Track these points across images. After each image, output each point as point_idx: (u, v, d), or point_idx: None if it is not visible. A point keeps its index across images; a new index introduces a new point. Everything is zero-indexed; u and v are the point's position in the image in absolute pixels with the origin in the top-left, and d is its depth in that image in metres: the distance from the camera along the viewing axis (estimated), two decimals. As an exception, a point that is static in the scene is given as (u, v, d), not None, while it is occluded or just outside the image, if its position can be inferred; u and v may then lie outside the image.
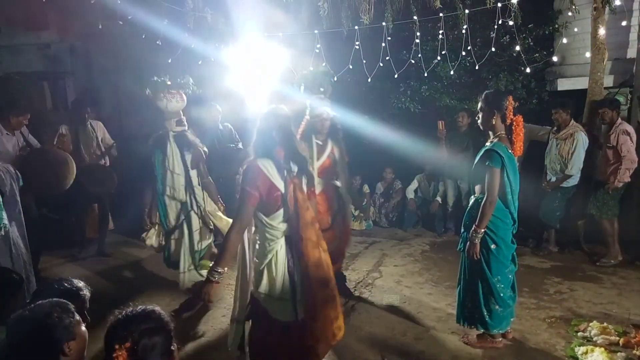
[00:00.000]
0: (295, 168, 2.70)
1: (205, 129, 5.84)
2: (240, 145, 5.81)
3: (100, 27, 4.83)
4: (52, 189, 4.64)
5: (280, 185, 2.60)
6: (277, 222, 2.64)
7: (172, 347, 1.64)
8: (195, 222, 4.33)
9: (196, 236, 4.32)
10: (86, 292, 2.32)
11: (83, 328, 1.86)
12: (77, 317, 1.85)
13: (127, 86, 6.40)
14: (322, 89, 4.39)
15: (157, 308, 1.71)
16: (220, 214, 4.45)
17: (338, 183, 4.22)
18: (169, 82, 4.22)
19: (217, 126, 5.85)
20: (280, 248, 2.66)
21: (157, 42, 5.17)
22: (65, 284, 2.30)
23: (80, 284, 2.36)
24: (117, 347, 1.55)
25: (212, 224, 4.42)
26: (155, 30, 5.15)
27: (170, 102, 4.22)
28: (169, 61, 5.72)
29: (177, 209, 4.31)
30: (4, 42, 9.56)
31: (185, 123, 4.36)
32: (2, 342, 2.01)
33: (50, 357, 1.75)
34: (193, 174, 4.30)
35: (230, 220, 2.96)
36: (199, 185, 4.33)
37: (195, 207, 4.32)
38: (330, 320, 2.72)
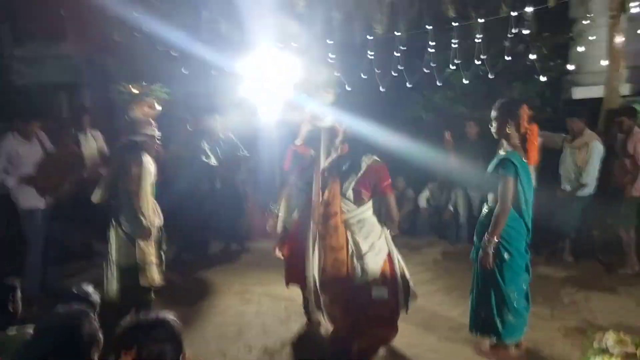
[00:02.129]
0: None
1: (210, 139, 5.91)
2: (246, 154, 5.86)
3: (116, 38, 4.92)
4: (54, 190, 4.72)
5: None
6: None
7: (181, 357, 1.63)
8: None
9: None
10: (96, 297, 2.36)
11: (100, 334, 1.89)
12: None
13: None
14: (326, 92, 4.27)
15: (169, 316, 1.71)
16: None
17: None
18: (135, 91, 4.12)
19: (217, 136, 5.92)
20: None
21: (172, 53, 5.25)
22: (75, 290, 2.34)
23: (90, 289, 2.40)
24: (123, 353, 1.55)
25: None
26: (170, 41, 5.25)
27: (135, 111, 4.07)
28: (184, 71, 5.81)
29: None
30: (24, 53, 9.79)
31: (148, 132, 4.05)
32: (4, 346, 2.06)
33: None
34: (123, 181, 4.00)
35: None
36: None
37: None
38: None
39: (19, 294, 2.37)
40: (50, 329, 1.79)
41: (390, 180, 3.16)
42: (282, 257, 4.06)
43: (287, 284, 4.03)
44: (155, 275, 3.92)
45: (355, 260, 3.09)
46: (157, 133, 4.13)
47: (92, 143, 5.77)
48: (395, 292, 3.21)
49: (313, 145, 3.88)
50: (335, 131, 3.91)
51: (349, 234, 3.11)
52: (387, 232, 3.25)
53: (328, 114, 3.92)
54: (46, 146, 4.79)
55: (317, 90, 4.25)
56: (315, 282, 3.37)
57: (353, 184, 3.11)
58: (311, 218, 3.60)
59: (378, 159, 3.20)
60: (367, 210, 3.16)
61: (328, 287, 3.10)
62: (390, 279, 3.18)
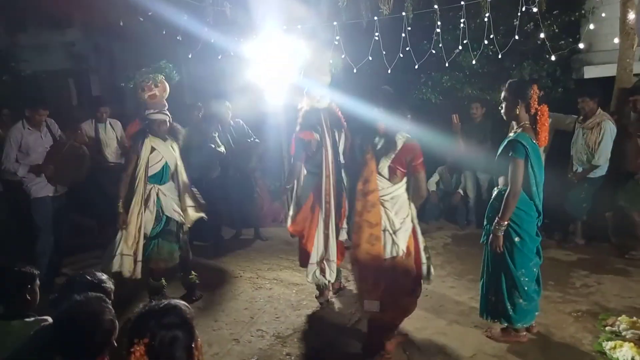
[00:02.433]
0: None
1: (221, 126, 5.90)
2: (256, 140, 5.81)
3: (121, 24, 4.88)
4: (64, 180, 4.75)
5: None
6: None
7: (194, 343, 1.63)
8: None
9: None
10: (109, 284, 2.37)
11: (116, 321, 1.91)
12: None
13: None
14: (328, 73, 4.22)
15: (181, 302, 1.70)
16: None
17: None
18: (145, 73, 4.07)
19: (229, 122, 5.88)
20: None
21: (178, 37, 5.21)
22: (89, 277, 2.35)
23: (104, 276, 2.40)
24: (135, 341, 1.55)
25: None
26: (175, 25, 5.20)
27: (144, 93, 4.05)
28: (189, 56, 5.76)
29: None
30: (30, 41, 9.80)
31: (161, 114, 4.10)
32: (20, 336, 2.08)
33: (99, 351, 1.81)
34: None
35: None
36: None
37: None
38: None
39: (37, 282, 2.37)
40: (72, 316, 1.80)
41: (422, 158, 3.22)
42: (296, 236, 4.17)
43: (302, 265, 4.14)
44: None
45: (387, 235, 3.18)
46: (168, 116, 4.15)
47: (111, 133, 5.81)
48: (419, 265, 3.34)
49: (316, 129, 3.93)
50: (332, 111, 4.00)
51: (382, 210, 3.19)
52: (413, 207, 3.35)
53: (324, 95, 3.98)
54: (56, 134, 4.80)
55: (315, 72, 4.17)
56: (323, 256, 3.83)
57: (389, 161, 3.18)
58: (322, 200, 3.88)
59: (410, 136, 3.25)
60: (400, 187, 3.26)
61: (361, 262, 3.18)
62: (415, 252, 3.31)
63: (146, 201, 4.03)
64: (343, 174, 4.00)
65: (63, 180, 4.73)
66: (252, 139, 5.83)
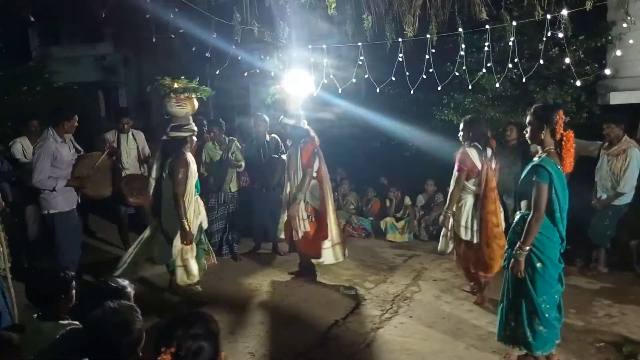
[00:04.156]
0: (488, 153, 4.39)
1: (252, 139, 6.01)
2: (284, 157, 5.85)
3: (153, 40, 5.03)
4: (99, 194, 4.85)
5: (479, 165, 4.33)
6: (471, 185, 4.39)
7: (218, 356, 1.65)
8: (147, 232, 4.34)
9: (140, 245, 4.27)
10: (131, 290, 2.40)
11: (144, 332, 1.94)
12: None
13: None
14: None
15: (207, 314, 1.74)
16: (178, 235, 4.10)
17: None
18: (176, 86, 4.10)
19: (264, 136, 5.95)
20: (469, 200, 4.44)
21: (206, 54, 5.34)
22: (112, 283, 2.39)
23: (125, 282, 2.43)
24: (162, 349, 1.58)
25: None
26: (204, 42, 5.34)
27: (172, 107, 4.11)
28: (217, 72, 5.90)
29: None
30: (63, 54, 10.15)
31: (191, 129, 4.20)
32: (52, 337, 2.13)
33: (125, 358, 1.84)
34: (167, 182, 4.11)
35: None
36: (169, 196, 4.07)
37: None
38: (500, 247, 4.18)
39: (73, 288, 2.43)
40: (103, 322, 1.84)
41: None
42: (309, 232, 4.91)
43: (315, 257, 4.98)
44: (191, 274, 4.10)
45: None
46: (195, 129, 4.26)
47: (132, 143, 5.93)
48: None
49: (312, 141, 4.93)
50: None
51: None
52: None
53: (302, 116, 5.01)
54: (77, 147, 4.86)
55: (294, 100, 5.04)
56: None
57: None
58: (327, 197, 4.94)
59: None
60: None
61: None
62: None
63: (199, 213, 4.27)
64: None
65: (97, 194, 4.80)
66: (279, 155, 5.88)
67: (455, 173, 4.42)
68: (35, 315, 2.37)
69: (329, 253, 4.86)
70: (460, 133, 4.52)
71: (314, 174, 4.87)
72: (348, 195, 7.61)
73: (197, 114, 4.59)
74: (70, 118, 4.57)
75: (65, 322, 2.27)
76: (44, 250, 4.92)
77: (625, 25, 5.47)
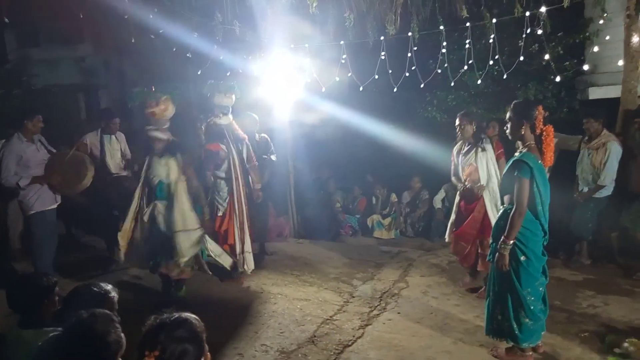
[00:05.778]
0: None
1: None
2: (273, 157, 5.80)
3: (132, 41, 4.97)
4: (71, 188, 4.78)
5: None
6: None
7: (203, 357, 1.64)
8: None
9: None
10: (114, 294, 2.37)
11: (124, 339, 1.90)
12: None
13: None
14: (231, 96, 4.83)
15: (191, 316, 1.72)
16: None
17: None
18: (153, 89, 4.26)
19: (254, 136, 5.87)
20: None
21: (187, 55, 5.30)
22: (94, 288, 2.35)
23: (109, 286, 2.40)
24: (146, 353, 1.56)
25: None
26: (185, 43, 5.30)
27: (152, 110, 4.27)
28: (199, 72, 5.85)
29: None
30: (42, 56, 9.97)
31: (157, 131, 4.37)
32: (34, 345, 2.09)
33: None
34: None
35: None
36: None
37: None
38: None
39: (55, 293, 2.38)
40: (77, 336, 1.80)
41: None
42: None
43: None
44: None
45: None
46: (165, 134, 4.35)
47: (116, 145, 5.84)
48: None
49: (222, 141, 4.91)
50: (233, 127, 4.97)
51: None
52: None
53: (225, 113, 4.87)
54: (48, 147, 4.83)
55: (218, 95, 4.82)
56: None
57: None
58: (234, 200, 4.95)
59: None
60: None
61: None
62: None
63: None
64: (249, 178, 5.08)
65: (68, 189, 4.75)
66: (268, 155, 5.81)
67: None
68: (17, 322, 2.31)
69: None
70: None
71: None
72: (334, 193, 7.63)
73: (182, 115, 4.57)
74: (32, 118, 4.64)
75: (49, 328, 2.22)
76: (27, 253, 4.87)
77: (602, 22, 5.58)
